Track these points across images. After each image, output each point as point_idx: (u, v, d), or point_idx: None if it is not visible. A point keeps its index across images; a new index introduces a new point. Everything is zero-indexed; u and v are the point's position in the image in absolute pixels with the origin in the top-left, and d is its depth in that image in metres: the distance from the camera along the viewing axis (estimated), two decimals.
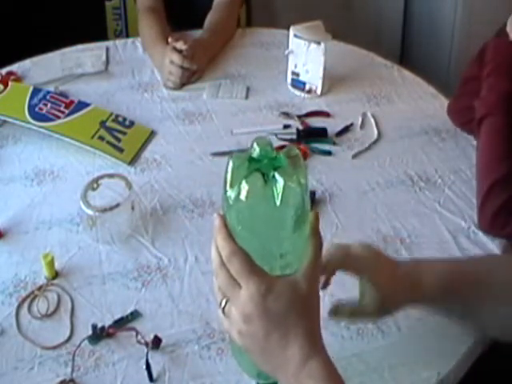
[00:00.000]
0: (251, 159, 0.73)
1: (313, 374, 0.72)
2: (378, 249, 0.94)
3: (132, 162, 1.41)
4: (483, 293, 0.92)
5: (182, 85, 1.65)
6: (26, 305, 1.09)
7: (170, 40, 1.65)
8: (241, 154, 0.74)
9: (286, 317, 0.72)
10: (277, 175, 0.71)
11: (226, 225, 0.73)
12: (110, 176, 1.26)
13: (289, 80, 1.63)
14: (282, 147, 0.78)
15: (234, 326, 0.75)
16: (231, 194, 0.72)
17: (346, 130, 1.48)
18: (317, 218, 0.76)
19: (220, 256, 0.74)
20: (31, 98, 1.51)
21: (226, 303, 0.75)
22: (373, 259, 0.91)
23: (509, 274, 0.95)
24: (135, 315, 1.06)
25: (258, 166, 0.72)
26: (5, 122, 1.49)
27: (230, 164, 0.73)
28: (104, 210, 1.18)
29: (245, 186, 0.71)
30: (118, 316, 1.06)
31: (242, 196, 0.71)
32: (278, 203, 0.71)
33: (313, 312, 0.75)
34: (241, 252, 0.72)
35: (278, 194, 0.71)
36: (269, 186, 0.71)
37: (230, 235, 0.73)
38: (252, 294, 0.71)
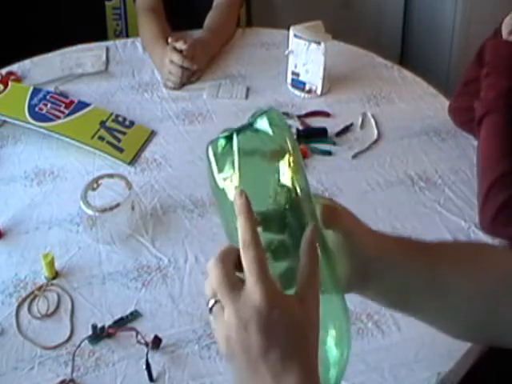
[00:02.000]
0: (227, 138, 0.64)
1: None
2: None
3: (132, 162, 1.41)
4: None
5: (182, 85, 1.65)
6: (26, 305, 1.09)
7: (169, 40, 1.65)
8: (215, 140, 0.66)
9: (287, 340, 0.60)
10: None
11: (250, 206, 0.62)
12: (110, 176, 1.26)
13: (289, 80, 1.63)
14: None
15: (223, 329, 0.62)
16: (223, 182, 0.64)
17: (346, 130, 1.48)
18: (313, 232, 0.63)
19: (222, 251, 0.63)
20: (31, 98, 1.51)
21: (215, 302, 0.63)
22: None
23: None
24: (135, 315, 1.06)
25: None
26: (5, 122, 1.49)
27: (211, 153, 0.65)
28: (104, 210, 1.18)
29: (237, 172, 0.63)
30: (118, 316, 1.06)
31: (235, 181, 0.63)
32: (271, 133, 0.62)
33: (310, 344, 0.62)
34: (260, 247, 0.61)
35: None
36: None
37: (253, 220, 0.62)
38: (257, 299, 0.60)
